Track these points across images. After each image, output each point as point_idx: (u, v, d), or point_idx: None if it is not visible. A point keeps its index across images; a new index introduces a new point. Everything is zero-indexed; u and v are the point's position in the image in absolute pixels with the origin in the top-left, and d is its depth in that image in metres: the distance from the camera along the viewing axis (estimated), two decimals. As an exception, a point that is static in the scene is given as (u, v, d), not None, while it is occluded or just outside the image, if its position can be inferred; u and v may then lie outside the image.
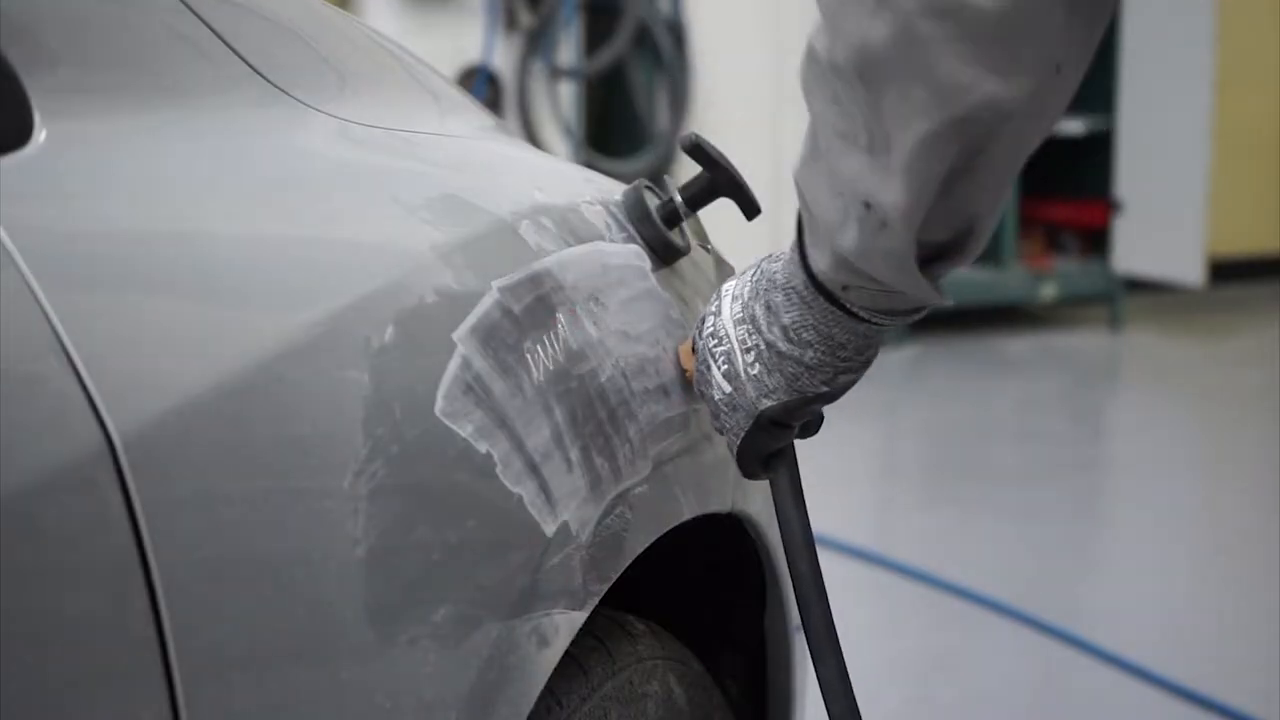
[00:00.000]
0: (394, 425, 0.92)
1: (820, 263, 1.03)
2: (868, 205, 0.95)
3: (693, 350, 1.18)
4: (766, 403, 1.11)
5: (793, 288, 1.07)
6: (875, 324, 1.06)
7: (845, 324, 1.06)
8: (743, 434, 1.13)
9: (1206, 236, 5.80)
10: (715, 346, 1.13)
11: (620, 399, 1.12)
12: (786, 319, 1.08)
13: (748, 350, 1.11)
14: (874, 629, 3.06)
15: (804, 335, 1.08)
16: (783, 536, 1.15)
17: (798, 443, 1.18)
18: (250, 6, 1.11)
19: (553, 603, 1.01)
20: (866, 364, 1.10)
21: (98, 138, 0.90)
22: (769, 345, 1.09)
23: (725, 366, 1.12)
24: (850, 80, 0.93)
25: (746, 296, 1.12)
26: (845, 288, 1.04)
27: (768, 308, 1.09)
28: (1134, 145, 5.87)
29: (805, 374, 1.09)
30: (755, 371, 1.10)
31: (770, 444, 1.14)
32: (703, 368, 1.14)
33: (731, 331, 1.12)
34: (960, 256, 1.01)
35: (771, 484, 1.16)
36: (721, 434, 1.16)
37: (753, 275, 1.12)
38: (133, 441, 0.78)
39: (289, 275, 0.93)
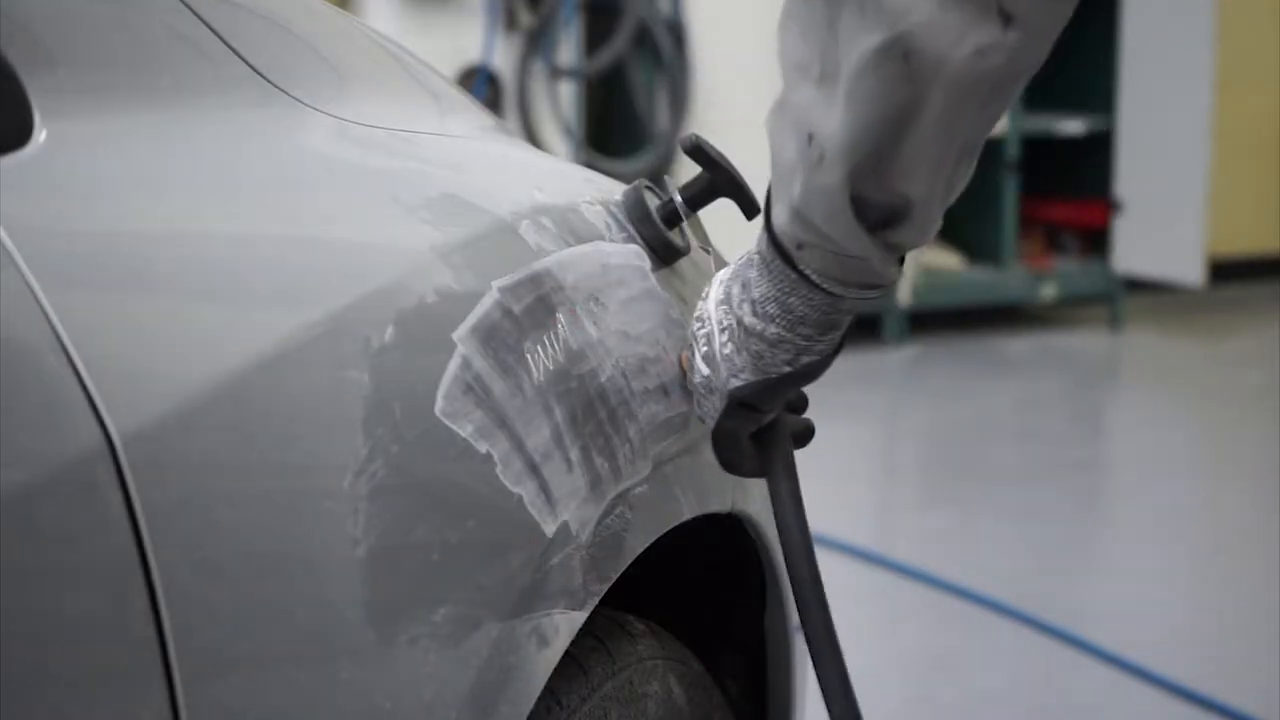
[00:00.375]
0: (394, 425, 0.92)
1: (779, 218, 1.04)
2: (811, 137, 0.98)
3: None
4: (735, 383, 1.11)
5: (759, 253, 1.08)
6: (829, 292, 1.06)
7: (801, 291, 1.06)
8: (717, 417, 1.13)
9: (1206, 236, 5.80)
10: (698, 330, 1.14)
11: (620, 399, 1.12)
12: (756, 293, 1.09)
13: (723, 330, 1.12)
14: (874, 629, 3.06)
15: (768, 309, 1.08)
16: (782, 543, 1.15)
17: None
18: (250, 6, 1.11)
19: (553, 603, 1.01)
20: (832, 349, 1.10)
21: (98, 138, 0.90)
22: (738, 321, 1.10)
23: (705, 348, 1.13)
24: (816, 2, 0.96)
25: (727, 277, 1.13)
26: (800, 246, 1.04)
27: (743, 285, 1.10)
28: (1134, 145, 5.87)
29: (768, 351, 1.09)
30: (727, 351, 1.11)
31: (743, 429, 1.14)
32: (688, 354, 1.15)
33: (712, 313, 1.13)
34: (903, 227, 1.01)
35: (771, 491, 1.16)
36: (703, 422, 1.16)
37: (738, 258, 1.13)
38: (133, 441, 0.78)
39: (289, 275, 0.93)
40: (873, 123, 0.95)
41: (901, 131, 0.96)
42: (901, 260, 1.05)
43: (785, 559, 1.15)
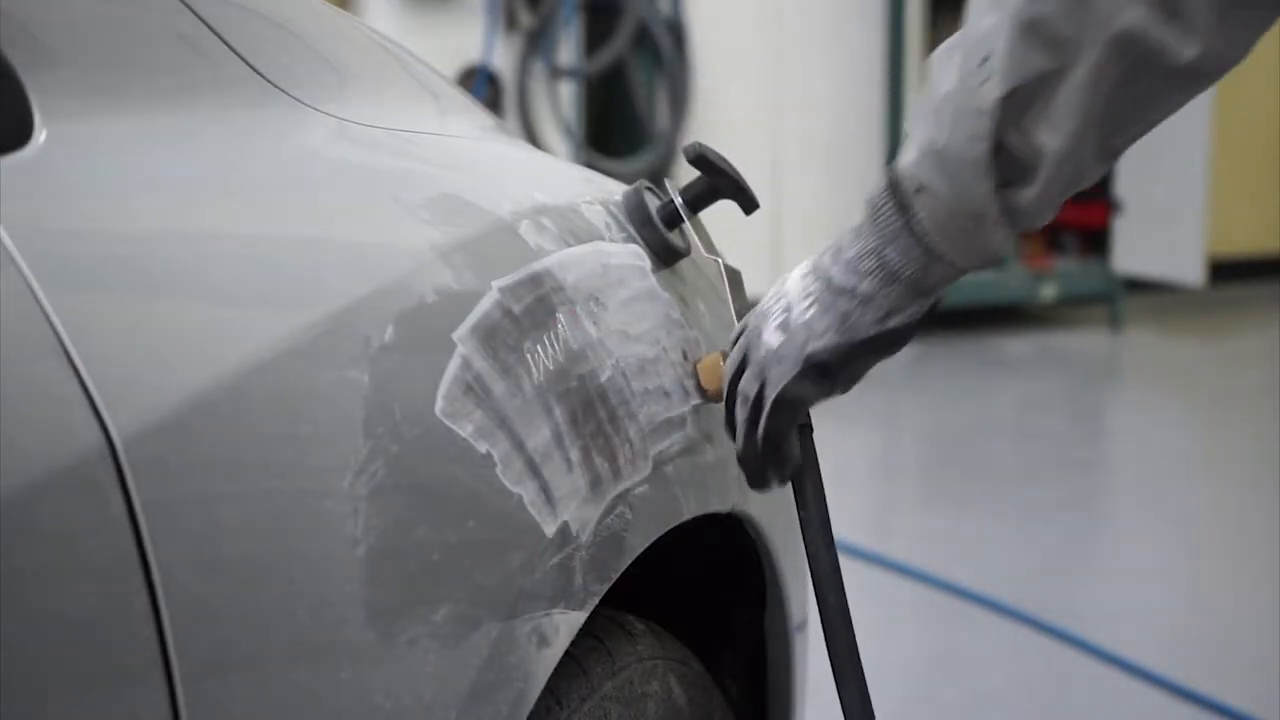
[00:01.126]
0: (394, 425, 0.92)
1: (907, 157, 1.05)
2: (986, 59, 1.01)
3: (723, 363, 1.18)
4: (815, 345, 1.11)
5: (868, 201, 1.08)
6: (930, 249, 1.06)
7: (902, 242, 1.07)
8: (784, 382, 1.12)
9: (1206, 236, 5.80)
10: (773, 305, 1.14)
11: (620, 399, 1.12)
12: (852, 251, 1.10)
13: (806, 297, 1.12)
14: (874, 629, 3.06)
15: (863, 264, 1.09)
16: (811, 571, 1.16)
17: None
18: (250, 6, 1.11)
19: (553, 603, 1.01)
20: (917, 318, 1.11)
21: (98, 138, 0.90)
22: (827, 283, 1.10)
23: (780, 318, 1.13)
24: None
25: (818, 252, 1.13)
26: (919, 189, 1.05)
27: (836, 250, 1.11)
28: (1133, 145, 5.86)
29: (858, 309, 1.09)
30: (809, 316, 1.11)
31: (811, 396, 1.13)
32: (752, 335, 1.14)
33: (794, 287, 1.13)
34: (1027, 189, 1.03)
35: (801, 521, 1.17)
36: (757, 402, 1.14)
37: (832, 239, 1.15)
38: (133, 441, 0.78)
39: (289, 275, 0.93)
40: (1033, 50, 0.98)
41: (1057, 72, 0.99)
42: (1009, 235, 1.06)
43: (814, 586, 1.17)
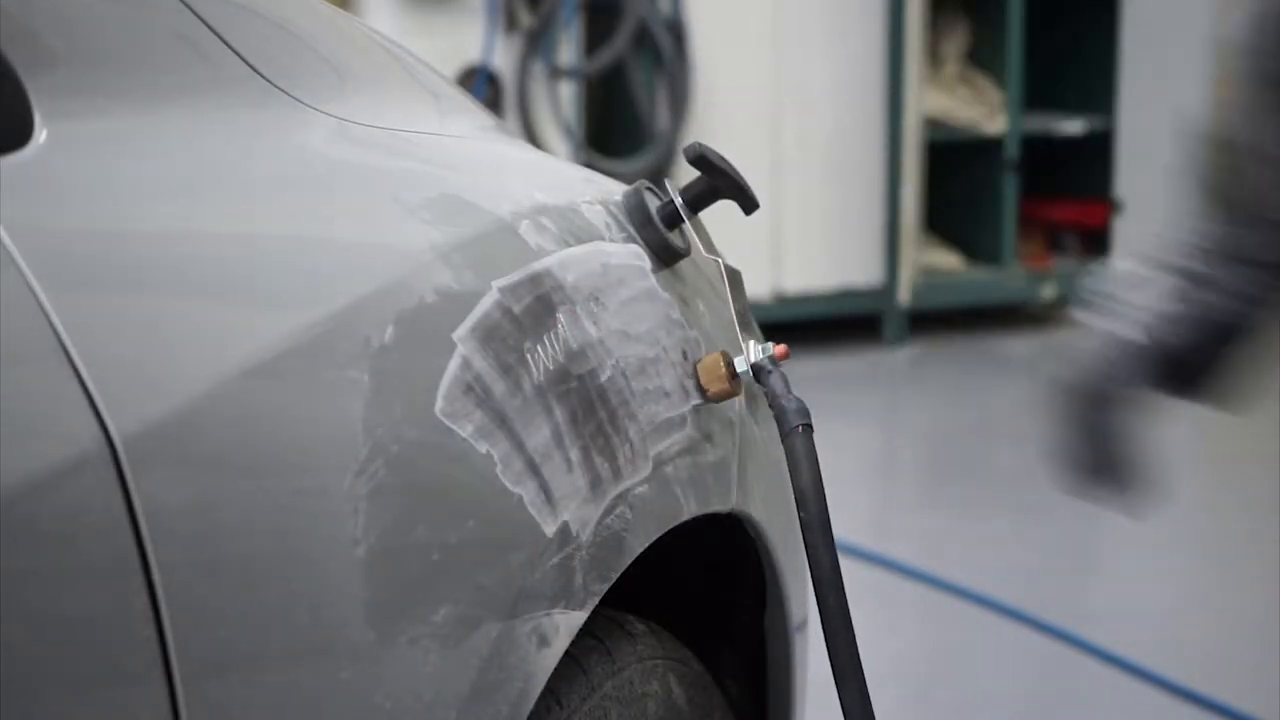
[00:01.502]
0: (394, 425, 0.92)
1: (1236, 119, 1.03)
2: None
3: (724, 364, 1.18)
4: (1162, 333, 1.06)
5: (1204, 175, 1.06)
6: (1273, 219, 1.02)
7: (1248, 218, 1.03)
8: (1128, 373, 1.07)
9: (1206, 236, 5.79)
10: (1110, 291, 1.09)
11: (620, 399, 1.12)
12: (1194, 237, 1.05)
13: (1148, 284, 1.07)
14: (874, 629, 3.06)
15: (1211, 247, 1.05)
16: (812, 573, 1.16)
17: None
18: (250, 6, 1.11)
19: (553, 603, 1.01)
20: (1268, 299, 1.06)
21: (98, 138, 0.90)
22: (1173, 269, 1.06)
23: (1123, 306, 1.08)
24: None
25: (1155, 239, 1.10)
26: (1254, 153, 1.01)
27: (1178, 236, 1.07)
28: (1134, 145, 5.87)
29: (1207, 295, 1.05)
30: (1154, 303, 1.06)
31: (1159, 388, 1.08)
32: (1089, 323, 1.10)
33: (1132, 274, 1.08)
34: None
35: (801, 522, 1.17)
36: (1088, 394, 1.09)
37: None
38: (133, 441, 0.78)
39: (289, 275, 0.93)
40: None
41: None
42: None
43: (815, 587, 1.17)
